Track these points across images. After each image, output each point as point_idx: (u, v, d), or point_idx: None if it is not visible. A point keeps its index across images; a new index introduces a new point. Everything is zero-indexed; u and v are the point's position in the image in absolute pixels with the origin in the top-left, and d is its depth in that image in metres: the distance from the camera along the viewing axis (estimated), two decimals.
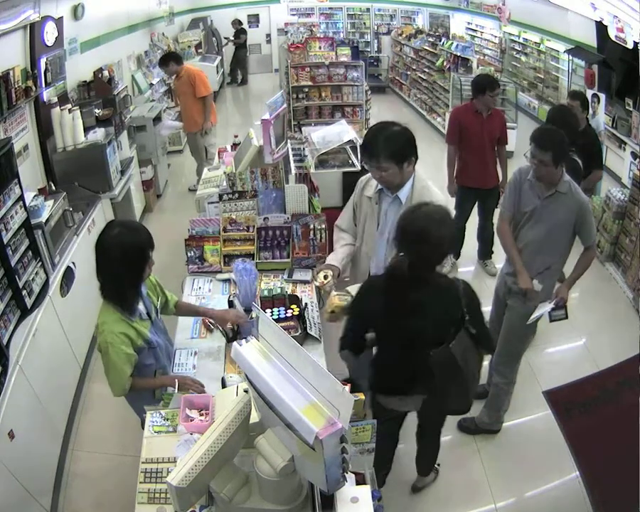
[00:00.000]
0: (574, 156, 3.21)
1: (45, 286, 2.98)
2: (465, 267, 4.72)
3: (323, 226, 2.94)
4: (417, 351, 1.96)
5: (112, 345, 1.98)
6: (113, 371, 2.02)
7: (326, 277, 2.44)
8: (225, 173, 3.32)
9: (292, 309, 2.46)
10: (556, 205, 2.65)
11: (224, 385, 2.05)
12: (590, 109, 5.28)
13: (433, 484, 2.76)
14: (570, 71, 7.26)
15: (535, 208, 2.71)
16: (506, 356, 2.94)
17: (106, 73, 5.33)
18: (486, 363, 2.97)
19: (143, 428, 1.97)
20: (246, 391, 1.52)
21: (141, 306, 2.13)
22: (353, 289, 2.27)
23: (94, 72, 5.21)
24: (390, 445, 2.48)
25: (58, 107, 4.16)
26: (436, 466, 2.77)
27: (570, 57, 7.03)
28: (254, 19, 12.91)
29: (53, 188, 3.84)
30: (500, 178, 4.28)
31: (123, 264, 1.97)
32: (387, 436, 2.31)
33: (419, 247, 1.87)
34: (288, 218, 2.98)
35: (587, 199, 2.70)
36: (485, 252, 4.63)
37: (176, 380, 2.07)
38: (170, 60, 5.74)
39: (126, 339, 2.01)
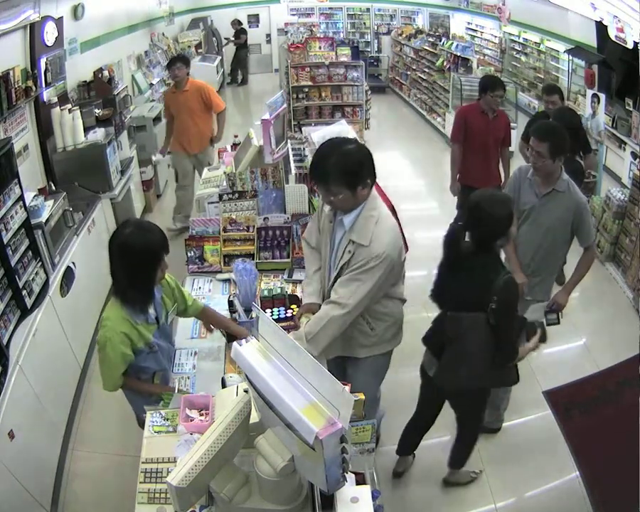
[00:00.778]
0: (575, 158, 3.22)
1: (45, 286, 2.98)
2: None
3: None
4: (443, 310, 2.30)
5: (110, 341, 1.96)
6: (107, 366, 2.02)
7: None
8: (225, 173, 3.32)
9: (292, 309, 2.46)
10: (553, 203, 2.65)
11: (224, 385, 2.04)
12: (590, 109, 5.28)
13: (434, 484, 2.75)
14: (570, 71, 7.26)
15: (533, 207, 2.71)
16: None
17: (106, 73, 5.33)
18: None
19: (141, 427, 1.98)
20: (246, 391, 1.52)
21: (150, 310, 2.10)
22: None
23: (94, 72, 5.21)
24: (422, 414, 2.64)
25: (58, 107, 4.16)
26: (475, 471, 2.77)
27: (570, 57, 7.04)
28: (254, 19, 12.91)
29: (53, 188, 3.84)
30: (503, 179, 4.28)
31: (133, 264, 1.95)
32: (422, 404, 2.62)
33: (473, 221, 2.13)
34: (288, 218, 2.98)
35: (585, 199, 2.70)
36: None
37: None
38: (189, 63, 5.08)
39: (126, 339, 2.00)
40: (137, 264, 1.95)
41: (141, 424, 1.98)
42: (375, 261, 1.98)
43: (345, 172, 1.94)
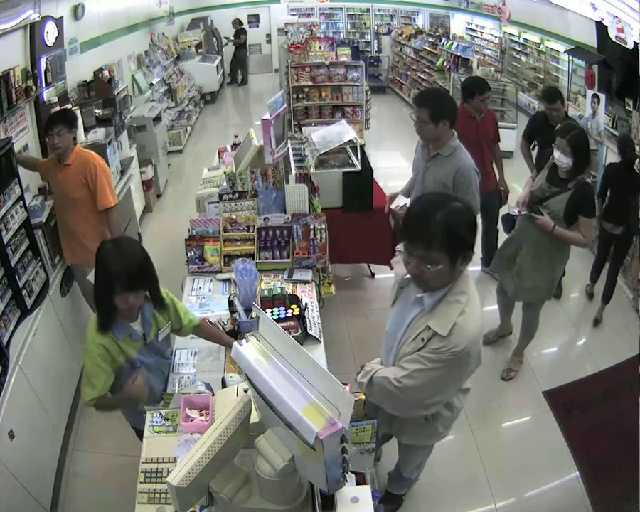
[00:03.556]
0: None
1: (45, 286, 2.98)
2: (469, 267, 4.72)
3: (323, 226, 2.94)
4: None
5: (88, 353, 1.93)
6: (84, 379, 1.98)
7: None
8: (225, 173, 3.32)
9: (292, 309, 2.46)
10: (436, 167, 2.67)
11: (224, 385, 2.05)
12: (590, 109, 5.28)
13: (432, 485, 2.76)
14: (570, 71, 7.25)
15: (420, 170, 2.77)
16: None
17: (106, 73, 5.32)
18: None
19: (139, 438, 1.96)
20: (246, 391, 1.53)
21: (136, 327, 2.04)
22: None
23: (94, 72, 5.20)
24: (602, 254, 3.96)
25: (58, 107, 4.16)
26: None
27: (570, 58, 7.03)
28: (254, 19, 12.90)
29: None
30: (498, 177, 4.23)
31: (96, 278, 1.91)
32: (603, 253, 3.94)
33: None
34: (288, 218, 2.98)
35: (468, 166, 2.59)
36: (489, 259, 4.57)
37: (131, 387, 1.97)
38: (76, 122, 3.19)
39: (104, 352, 1.94)
40: (98, 282, 1.91)
41: (141, 436, 1.96)
42: (448, 356, 1.62)
43: (454, 235, 1.54)
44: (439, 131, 2.55)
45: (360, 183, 3.61)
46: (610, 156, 5.47)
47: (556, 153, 2.80)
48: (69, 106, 4.24)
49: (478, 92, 3.82)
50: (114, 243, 1.93)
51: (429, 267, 1.58)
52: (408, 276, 1.75)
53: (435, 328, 1.64)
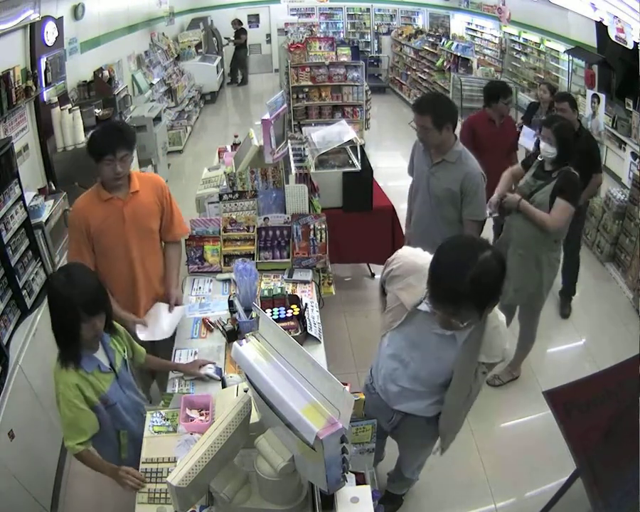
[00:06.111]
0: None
1: (45, 286, 2.98)
2: None
3: (324, 226, 2.94)
4: None
5: (63, 399, 1.80)
6: (67, 429, 1.85)
7: None
8: (225, 173, 3.32)
9: (292, 309, 2.46)
10: (442, 173, 2.65)
11: (224, 385, 2.05)
12: (590, 109, 5.28)
13: (432, 485, 2.76)
14: (570, 71, 7.25)
15: (424, 176, 2.74)
16: None
17: (106, 73, 5.33)
18: None
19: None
20: (246, 391, 1.53)
21: (102, 357, 1.90)
22: None
23: (94, 72, 5.21)
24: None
25: (58, 107, 4.16)
26: None
27: (570, 58, 7.03)
28: (254, 19, 12.90)
29: (53, 187, 3.84)
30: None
31: (53, 313, 1.78)
32: None
33: None
34: (288, 218, 2.98)
35: (476, 171, 2.60)
36: None
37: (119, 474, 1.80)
38: (134, 139, 2.46)
39: (79, 393, 1.80)
40: (57, 316, 1.77)
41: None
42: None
43: (485, 292, 1.46)
44: (442, 137, 2.55)
45: (360, 183, 3.62)
46: (610, 155, 5.49)
47: (542, 144, 2.81)
48: (69, 106, 4.24)
49: (502, 96, 3.81)
50: (64, 273, 1.79)
51: (453, 321, 1.53)
52: (420, 307, 1.69)
53: (490, 360, 1.74)
